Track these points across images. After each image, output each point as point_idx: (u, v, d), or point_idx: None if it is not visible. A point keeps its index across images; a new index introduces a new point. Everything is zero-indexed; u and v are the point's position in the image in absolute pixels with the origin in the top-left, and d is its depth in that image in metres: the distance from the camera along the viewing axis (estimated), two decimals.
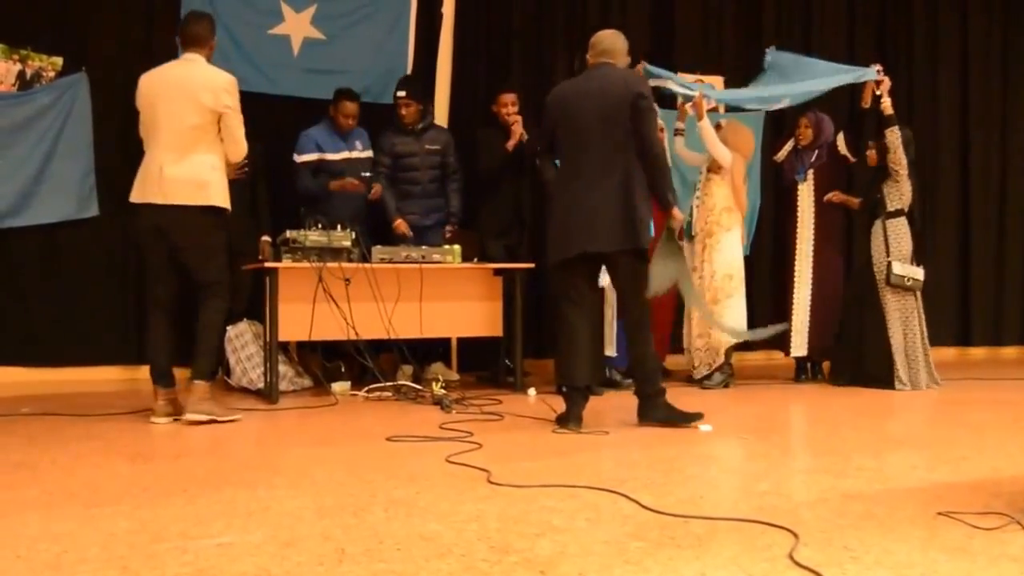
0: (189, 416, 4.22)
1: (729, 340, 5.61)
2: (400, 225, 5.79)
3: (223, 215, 4.33)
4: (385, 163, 5.87)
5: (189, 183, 4.21)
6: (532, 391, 5.30)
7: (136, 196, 4.29)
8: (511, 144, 5.76)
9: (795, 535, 2.35)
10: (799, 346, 6.00)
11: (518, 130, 5.74)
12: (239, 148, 4.35)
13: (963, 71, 8.08)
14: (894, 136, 5.55)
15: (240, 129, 4.33)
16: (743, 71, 6.72)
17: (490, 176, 5.90)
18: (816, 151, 5.99)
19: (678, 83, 5.86)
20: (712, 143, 5.65)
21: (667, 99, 6.15)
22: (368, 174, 5.68)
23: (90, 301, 5.98)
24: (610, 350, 5.43)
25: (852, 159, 5.99)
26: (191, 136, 4.22)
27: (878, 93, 5.62)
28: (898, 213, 5.63)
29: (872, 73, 5.69)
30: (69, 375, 5.88)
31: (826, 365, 6.09)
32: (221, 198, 4.29)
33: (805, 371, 6.13)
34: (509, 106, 5.83)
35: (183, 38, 4.38)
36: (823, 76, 5.81)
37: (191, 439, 3.93)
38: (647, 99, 4.08)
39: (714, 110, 6.13)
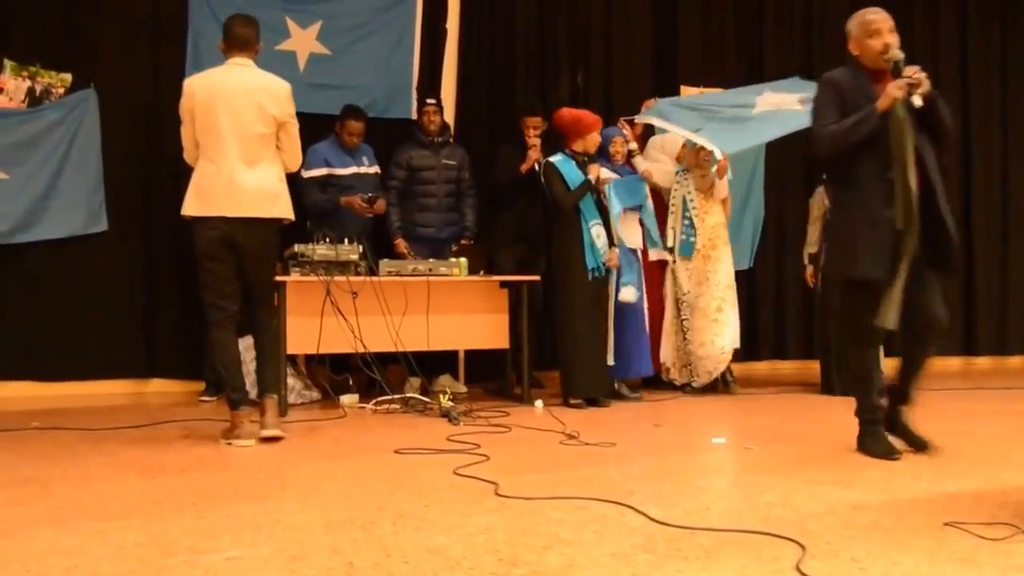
0: (269, 432, 4.09)
1: (734, 345, 5.90)
2: (400, 244, 5.84)
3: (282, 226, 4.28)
4: (399, 176, 5.91)
5: (262, 194, 4.08)
6: (539, 403, 5.31)
7: (200, 209, 4.06)
8: (525, 168, 5.81)
9: (802, 546, 2.35)
10: None
11: (534, 155, 5.79)
12: (298, 158, 4.29)
13: (963, 79, 8.08)
14: None
15: (299, 139, 4.26)
16: (744, 83, 6.73)
17: (499, 191, 5.97)
18: None
19: (687, 130, 5.89)
20: (725, 189, 6.04)
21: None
22: (372, 195, 5.70)
23: (99, 316, 6.00)
24: (609, 358, 5.46)
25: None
26: (258, 145, 4.09)
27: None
28: None
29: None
30: (78, 389, 5.90)
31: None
32: (289, 210, 4.22)
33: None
34: (531, 130, 5.91)
35: (230, 41, 4.14)
36: None
37: (200, 453, 3.94)
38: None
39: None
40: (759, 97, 6.03)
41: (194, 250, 4.15)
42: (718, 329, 5.84)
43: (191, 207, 4.11)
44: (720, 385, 5.99)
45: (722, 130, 5.82)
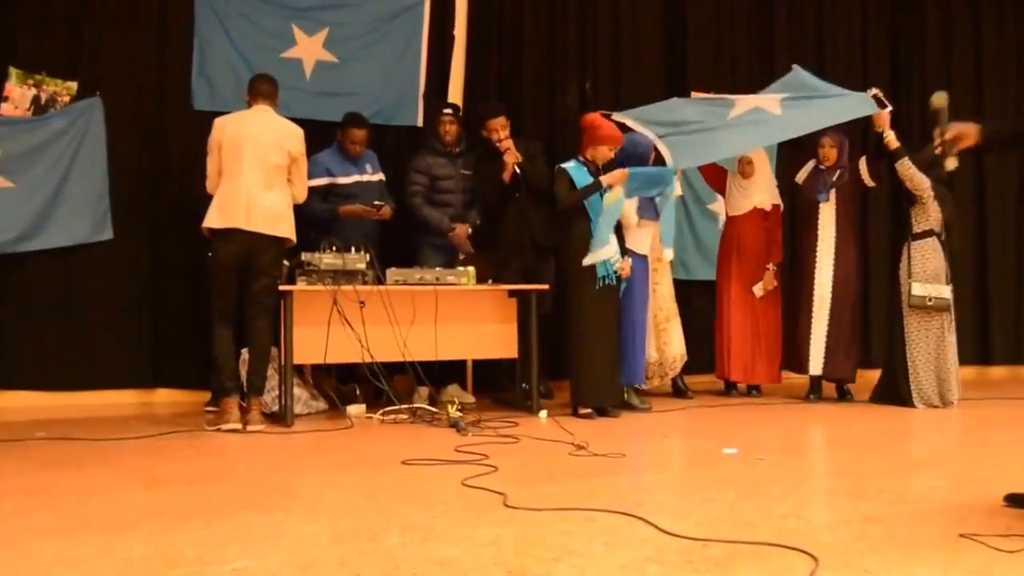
0: (254, 427, 4.75)
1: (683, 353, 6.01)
2: (459, 228, 5.79)
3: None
4: (421, 182, 5.85)
5: (272, 214, 4.82)
6: (543, 413, 5.28)
7: (220, 221, 4.77)
8: (506, 176, 5.74)
9: (815, 559, 2.33)
10: (816, 365, 6.00)
11: (510, 160, 5.70)
12: (305, 191, 5.08)
13: (977, 90, 8.04)
14: (904, 168, 5.68)
15: (307, 175, 5.11)
16: (754, 87, 6.70)
17: (496, 208, 5.89)
18: (839, 171, 6.00)
19: (656, 136, 5.84)
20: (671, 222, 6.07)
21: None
22: (379, 202, 5.67)
23: (104, 324, 5.98)
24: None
25: (872, 184, 6.00)
26: (274, 174, 4.86)
27: (878, 130, 5.72)
28: (925, 235, 5.72)
29: (869, 102, 5.71)
30: (83, 399, 5.87)
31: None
32: (292, 232, 4.93)
33: (817, 391, 6.10)
34: (499, 131, 5.77)
35: (255, 93, 4.99)
36: (823, 107, 5.76)
37: (206, 464, 3.93)
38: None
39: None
40: (738, 102, 5.98)
41: (210, 260, 4.85)
42: (667, 337, 5.93)
43: (213, 219, 4.80)
44: (680, 390, 6.18)
45: (685, 141, 5.78)
